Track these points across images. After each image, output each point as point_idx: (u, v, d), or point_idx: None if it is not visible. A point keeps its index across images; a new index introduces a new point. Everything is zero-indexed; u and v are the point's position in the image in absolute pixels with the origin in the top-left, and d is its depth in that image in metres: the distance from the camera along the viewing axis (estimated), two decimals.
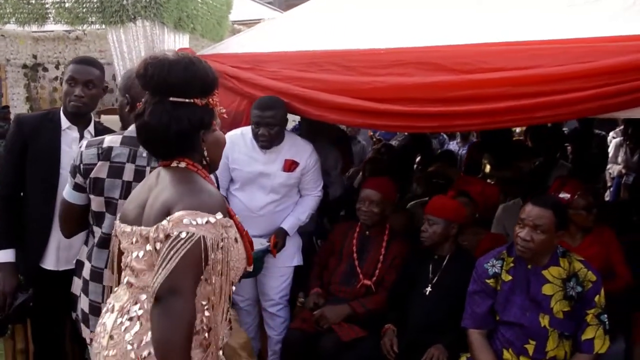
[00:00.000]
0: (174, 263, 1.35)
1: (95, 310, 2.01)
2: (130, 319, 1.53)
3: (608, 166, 5.07)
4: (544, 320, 2.34)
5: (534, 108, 2.34)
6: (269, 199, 2.99)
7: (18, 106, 5.91)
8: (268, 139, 2.89)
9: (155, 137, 1.53)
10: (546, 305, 2.36)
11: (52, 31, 5.61)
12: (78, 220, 2.07)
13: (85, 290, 2.05)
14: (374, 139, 5.81)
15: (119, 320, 1.54)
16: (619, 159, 4.98)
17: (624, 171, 4.86)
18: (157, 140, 1.54)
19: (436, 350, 2.53)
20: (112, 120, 2.98)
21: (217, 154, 1.67)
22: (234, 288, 1.61)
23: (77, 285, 2.14)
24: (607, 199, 5.00)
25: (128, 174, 1.97)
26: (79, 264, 2.15)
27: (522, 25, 2.50)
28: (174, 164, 1.56)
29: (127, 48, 3.42)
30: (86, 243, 2.13)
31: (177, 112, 1.50)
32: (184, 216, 1.39)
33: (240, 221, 1.62)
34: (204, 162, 1.60)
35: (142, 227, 1.52)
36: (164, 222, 1.42)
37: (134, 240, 1.55)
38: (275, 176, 2.97)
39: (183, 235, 1.37)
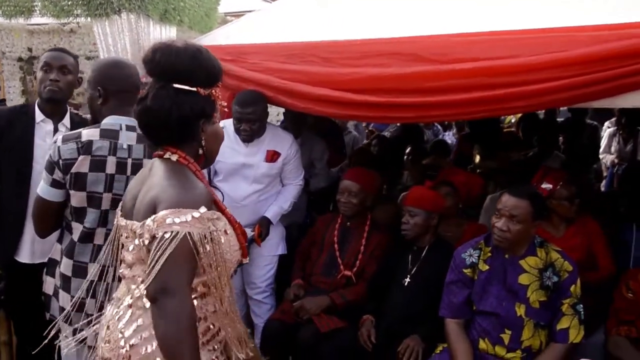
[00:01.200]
0: (161, 264, 1.35)
1: (79, 306, 1.98)
2: (124, 308, 1.57)
3: (602, 156, 5.04)
4: (520, 310, 2.34)
5: (509, 98, 2.33)
6: (252, 189, 3.06)
7: (14, 99, 5.95)
8: (250, 134, 2.97)
9: (157, 122, 1.53)
10: (522, 295, 2.35)
11: (47, 24, 5.63)
12: (54, 217, 2.05)
13: (65, 288, 2.03)
14: (368, 130, 5.79)
15: (114, 311, 1.59)
16: (612, 149, 4.94)
17: (616, 161, 4.82)
18: (157, 125, 1.53)
19: (411, 341, 2.53)
20: None
21: (215, 147, 1.67)
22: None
23: (49, 284, 2.11)
24: (602, 189, 4.97)
25: (110, 167, 1.97)
26: (52, 263, 2.12)
27: (497, 15, 2.49)
28: (167, 156, 1.56)
29: (112, 41, 3.44)
30: (59, 241, 2.10)
31: (180, 98, 1.51)
32: (167, 216, 1.39)
33: (231, 214, 1.62)
34: (201, 152, 1.59)
35: (133, 222, 1.54)
36: (149, 221, 1.43)
37: (127, 234, 1.57)
38: (258, 167, 3.04)
39: (167, 235, 1.37)
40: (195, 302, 1.52)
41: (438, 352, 2.48)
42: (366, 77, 2.58)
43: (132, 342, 1.50)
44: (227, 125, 3.02)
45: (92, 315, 2.02)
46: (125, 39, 3.42)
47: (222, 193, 2.95)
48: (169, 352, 1.33)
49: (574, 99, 2.29)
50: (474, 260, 2.47)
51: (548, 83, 2.25)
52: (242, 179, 3.05)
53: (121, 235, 1.64)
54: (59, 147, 1.95)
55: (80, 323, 1.88)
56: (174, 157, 1.55)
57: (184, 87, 1.51)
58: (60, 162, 1.93)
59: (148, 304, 1.49)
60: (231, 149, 3.00)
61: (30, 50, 5.80)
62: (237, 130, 2.97)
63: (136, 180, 1.66)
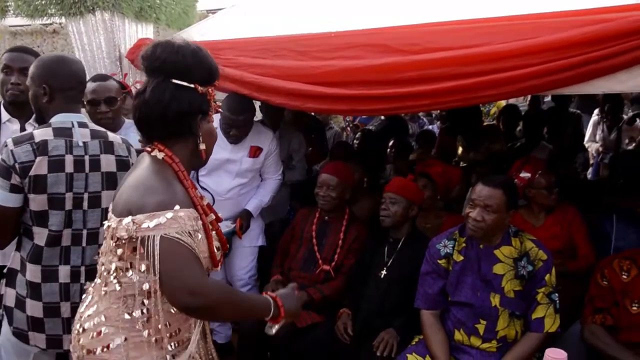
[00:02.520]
0: (162, 270, 1.37)
1: (53, 311, 1.97)
2: (86, 295, 1.64)
3: (587, 145, 5.01)
4: (495, 300, 2.33)
5: (480, 87, 2.31)
6: (236, 183, 3.14)
7: None
8: (239, 138, 3.07)
9: (154, 115, 1.52)
10: (497, 285, 2.34)
11: (29, 25, 5.61)
12: (14, 225, 1.98)
13: (35, 296, 1.97)
14: (353, 124, 5.77)
15: (83, 297, 1.66)
16: (597, 137, 4.90)
17: (601, 149, 4.79)
18: (155, 118, 1.52)
19: (387, 334, 2.52)
20: None
21: (210, 145, 1.67)
22: None
23: (10, 296, 2.02)
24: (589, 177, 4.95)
25: (69, 165, 1.94)
26: (11, 273, 2.04)
27: (466, 3, 2.47)
28: (154, 153, 1.56)
29: (87, 39, 3.43)
30: (18, 249, 2.03)
31: (179, 93, 1.51)
32: (143, 221, 1.41)
33: (209, 222, 1.62)
34: (199, 148, 1.60)
35: (110, 215, 1.56)
36: (129, 221, 1.44)
37: (107, 222, 1.58)
38: (241, 162, 3.12)
39: (148, 239, 1.39)
40: (145, 302, 1.52)
41: (414, 343, 2.46)
42: (338, 69, 2.56)
43: (85, 326, 1.56)
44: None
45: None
46: (100, 38, 3.41)
47: (211, 195, 3.03)
48: (234, 319, 1.69)
49: (545, 85, 2.27)
50: (448, 250, 2.45)
51: (518, 70, 2.23)
52: (226, 173, 3.13)
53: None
54: (12, 151, 1.89)
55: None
56: (160, 155, 1.55)
57: (182, 83, 1.51)
58: (17, 165, 1.88)
59: (103, 292, 1.56)
60: (215, 145, 3.02)
61: None
62: (226, 133, 3.03)
63: (129, 171, 1.66)
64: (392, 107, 2.57)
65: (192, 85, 1.53)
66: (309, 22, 2.85)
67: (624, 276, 2.35)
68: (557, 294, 2.33)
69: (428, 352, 2.36)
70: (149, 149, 1.58)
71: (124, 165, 2.08)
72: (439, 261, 2.45)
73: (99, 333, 1.53)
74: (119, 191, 1.58)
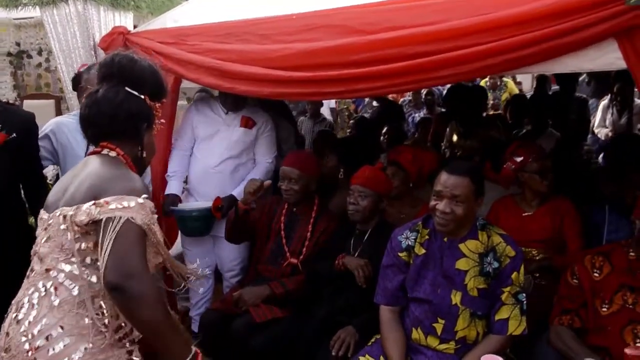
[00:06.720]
0: (114, 249, 1.37)
1: None
2: (26, 310, 1.51)
3: (597, 130, 4.69)
4: (456, 298, 2.15)
5: (436, 66, 2.16)
6: (227, 155, 3.14)
7: (6, 94, 6.02)
8: (236, 105, 3.18)
9: (106, 113, 1.59)
10: (459, 282, 2.16)
11: (32, 17, 5.65)
12: None
13: None
14: (348, 113, 5.60)
15: (13, 316, 1.54)
16: (607, 122, 4.58)
17: (610, 134, 4.47)
18: (106, 116, 1.59)
19: (344, 332, 2.38)
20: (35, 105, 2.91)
21: (149, 157, 1.76)
22: None
23: None
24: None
25: None
26: None
27: None
28: (105, 152, 1.62)
29: (62, 29, 3.39)
30: None
31: (130, 98, 1.63)
32: (110, 202, 1.43)
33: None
34: (139, 155, 1.67)
35: (62, 208, 1.53)
36: (90, 205, 1.45)
37: (48, 225, 1.56)
38: (233, 132, 3.15)
39: (112, 220, 1.41)
40: (103, 303, 1.50)
41: (370, 344, 2.31)
42: (295, 52, 2.47)
43: (37, 344, 1.45)
44: (211, 102, 3.30)
45: None
46: (74, 27, 3.36)
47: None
48: (152, 334, 1.40)
49: (507, 64, 2.10)
50: (410, 243, 2.28)
51: (476, 47, 2.07)
52: (218, 143, 3.15)
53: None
54: None
55: None
56: (113, 154, 1.61)
57: (134, 92, 1.63)
58: None
59: (57, 302, 1.48)
60: (211, 116, 3.21)
61: (18, 44, 5.86)
62: (224, 102, 3.18)
63: (66, 178, 1.66)
64: (348, 90, 2.42)
65: (142, 97, 1.64)
66: (274, 4, 2.72)
67: (596, 274, 2.13)
68: (524, 294, 2.13)
69: (382, 352, 2.21)
70: (98, 150, 1.63)
71: None
72: (400, 254, 2.29)
73: (58, 347, 1.45)
74: (72, 186, 1.56)
